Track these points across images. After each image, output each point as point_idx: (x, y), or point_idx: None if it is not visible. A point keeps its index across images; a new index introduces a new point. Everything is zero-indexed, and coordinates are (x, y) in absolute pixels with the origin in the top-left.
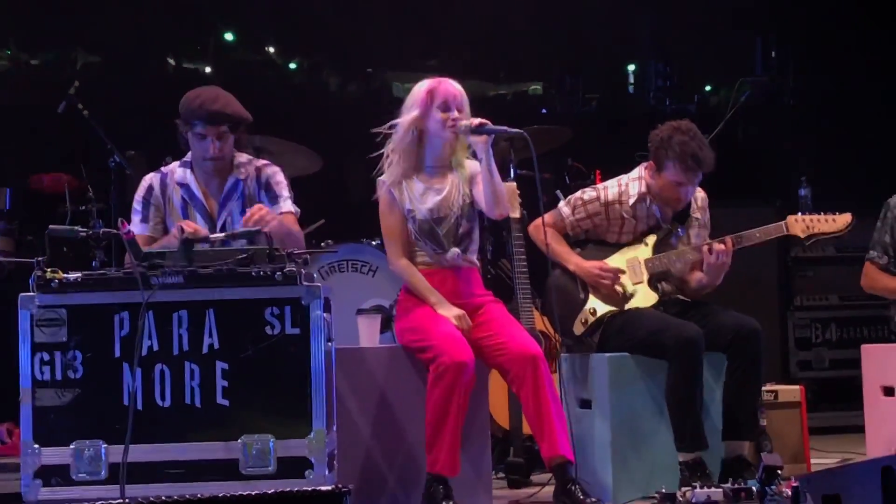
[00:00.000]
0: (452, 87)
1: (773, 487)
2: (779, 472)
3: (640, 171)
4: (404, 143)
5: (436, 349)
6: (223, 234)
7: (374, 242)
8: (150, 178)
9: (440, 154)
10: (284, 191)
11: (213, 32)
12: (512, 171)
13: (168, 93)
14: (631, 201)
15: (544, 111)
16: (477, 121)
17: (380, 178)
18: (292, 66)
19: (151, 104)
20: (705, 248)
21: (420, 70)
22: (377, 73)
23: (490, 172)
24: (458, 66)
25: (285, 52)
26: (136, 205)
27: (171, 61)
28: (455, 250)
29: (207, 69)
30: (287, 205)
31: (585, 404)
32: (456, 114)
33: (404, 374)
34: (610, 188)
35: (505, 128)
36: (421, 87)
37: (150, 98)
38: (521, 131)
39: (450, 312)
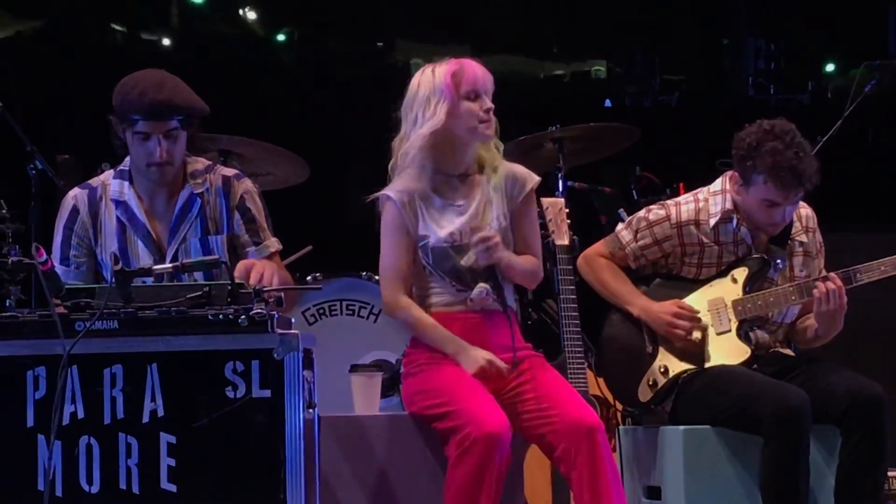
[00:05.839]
0: (477, 67)
1: None
2: None
3: (722, 183)
4: (425, 148)
5: (460, 416)
6: (171, 266)
7: (377, 277)
8: (75, 198)
9: (466, 158)
10: (265, 220)
11: None
12: (560, 182)
13: (114, 73)
14: (712, 221)
15: (608, 103)
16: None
17: (383, 191)
18: (279, 38)
19: (90, 90)
20: (818, 288)
21: (449, 42)
22: (392, 48)
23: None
24: (499, 38)
25: (270, 21)
26: (57, 235)
27: (119, 30)
28: (483, 286)
29: (166, 41)
30: (273, 242)
31: (654, 493)
32: (488, 103)
33: (413, 451)
34: (684, 205)
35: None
36: (440, 73)
37: (88, 81)
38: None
39: (475, 362)
